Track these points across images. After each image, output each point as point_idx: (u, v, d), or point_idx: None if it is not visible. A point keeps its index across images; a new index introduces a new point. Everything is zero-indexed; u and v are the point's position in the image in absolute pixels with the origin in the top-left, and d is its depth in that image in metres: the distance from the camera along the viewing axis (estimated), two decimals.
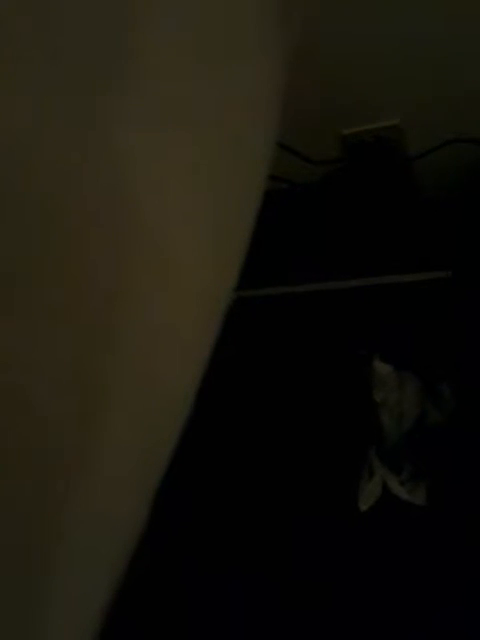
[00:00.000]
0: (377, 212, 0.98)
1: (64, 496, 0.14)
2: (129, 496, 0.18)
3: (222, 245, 0.21)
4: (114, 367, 0.15)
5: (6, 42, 0.13)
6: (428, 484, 0.85)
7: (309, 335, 0.96)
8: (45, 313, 0.13)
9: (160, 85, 0.17)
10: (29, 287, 0.13)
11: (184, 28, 0.18)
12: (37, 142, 0.13)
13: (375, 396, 0.87)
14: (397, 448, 0.88)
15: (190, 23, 0.18)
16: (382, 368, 0.89)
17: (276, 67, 0.24)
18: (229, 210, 0.21)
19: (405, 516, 0.83)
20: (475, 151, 0.92)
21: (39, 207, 0.13)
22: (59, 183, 0.13)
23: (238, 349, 0.94)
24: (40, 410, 0.13)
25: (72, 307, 0.13)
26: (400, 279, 0.97)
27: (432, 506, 0.84)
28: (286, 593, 0.81)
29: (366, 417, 0.88)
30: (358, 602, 0.79)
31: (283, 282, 1.02)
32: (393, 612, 0.77)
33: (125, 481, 0.18)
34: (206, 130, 0.19)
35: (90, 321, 0.14)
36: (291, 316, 0.99)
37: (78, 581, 0.16)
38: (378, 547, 0.81)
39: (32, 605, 0.14)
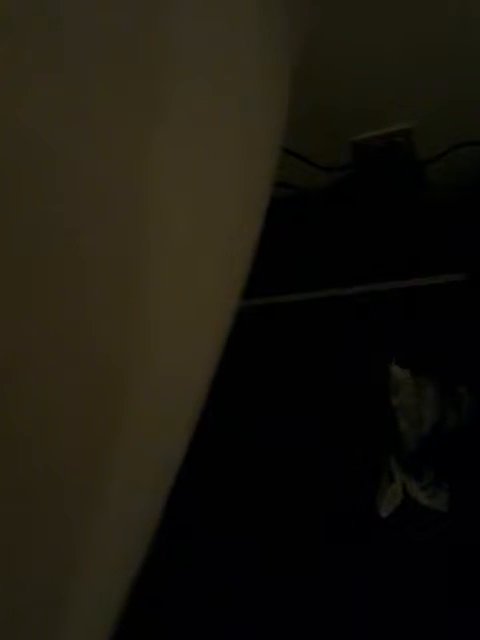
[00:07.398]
0: (390, 216, 0.98)
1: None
2: (144, 499, 0.19)
3: (234, 247, 0.21)
4: (130, 360, 0.16)
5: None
6: (449, 489, 0.84)
7: (325, 341, 0.96)
8: (57, 310, 0.13)
9: (190, 106, 0.17)
10: (43, 284, 0.13)
11: (206, 46, 0.18)
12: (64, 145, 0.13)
13: (393, 401, 0.87)
14: (417, 453, 0.87)
15: (206, 39, 0.19)
16: (399, 373, 0.88)
17: (282, 72, 0.25)
18: (240, 212, 0.21)
19: (426, 522, 0.82)
20: None
21: (53, 206, 0.13)
22: (77, 187, 0.14)
23: (254, 357, 0.94)
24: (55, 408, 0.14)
25: (81, 300, 0.14)
26: (415, 283, 0.97)
27: (453, 511, 0.83)
28: (307, 599, 0.80)
29: (384, 422, 0.87)
30: (380, 609, 0.78)
31: (298, 289, 1.02)
32: (415, 618, 0.76)
33: (141, 486, 0.18)
34: (223, 140, 0.19)
35: (102, 317, 0.14)
36: (307, 323, 0.99)
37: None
38: (399, 553, 0.81)
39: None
